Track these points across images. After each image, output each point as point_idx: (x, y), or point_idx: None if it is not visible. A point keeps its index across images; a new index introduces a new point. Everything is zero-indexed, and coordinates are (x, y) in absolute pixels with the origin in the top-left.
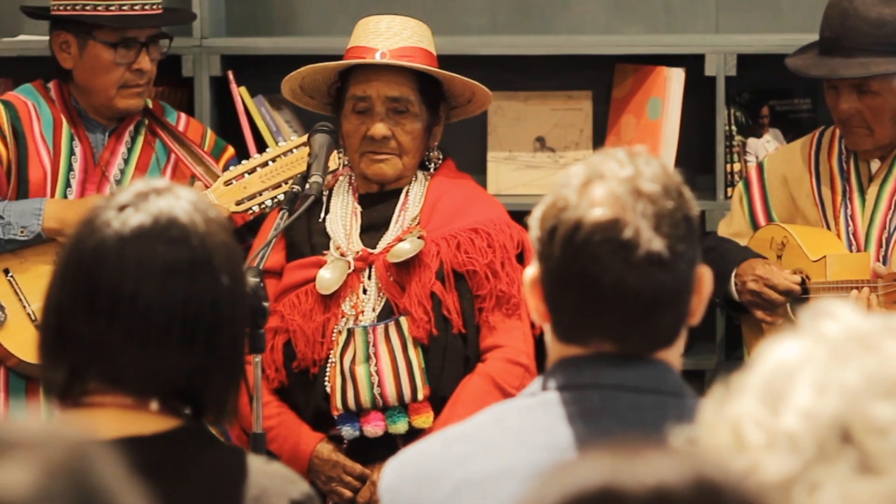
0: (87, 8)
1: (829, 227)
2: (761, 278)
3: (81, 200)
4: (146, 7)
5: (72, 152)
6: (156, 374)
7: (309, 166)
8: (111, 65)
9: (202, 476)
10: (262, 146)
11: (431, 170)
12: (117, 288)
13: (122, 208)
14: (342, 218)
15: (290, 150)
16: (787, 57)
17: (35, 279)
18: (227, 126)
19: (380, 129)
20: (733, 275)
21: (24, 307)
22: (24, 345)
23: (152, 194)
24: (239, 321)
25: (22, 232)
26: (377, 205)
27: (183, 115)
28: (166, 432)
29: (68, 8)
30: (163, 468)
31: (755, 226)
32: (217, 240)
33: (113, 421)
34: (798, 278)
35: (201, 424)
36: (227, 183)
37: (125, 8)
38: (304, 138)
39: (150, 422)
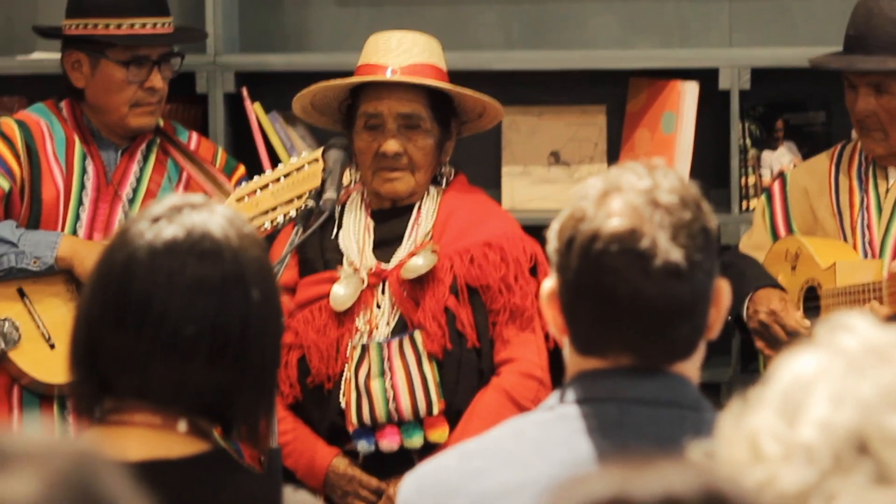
0: (99, 27)
1: (846, 238)
2: (774, 314)
3: (95, 242)
4: (157, 26)
5: (84, 171)
6: (183, 388)
7: (323, 182)
8: (123, 83)
9: (231, 502)
10: (276, 162)
11: (443, 185)
12: (146, 299)
13: (155, 220)
14: (355, 234)
15: (303, 167)
16: (810, 57)
17: (49, 298)
18: (242, 142)
19: (392, 145)
20: (748, 299)
21: (39, 326)
22: (38, 363)
23: (187, 208)
24: (270, 338)
25: (35, 263)
26: (390, 220)
27: (195, 134)
28: (194, 456)
29: (80, 27)
30: (190, 493)
31: (776, 237)
32: (250, 255)
33: (140, 442)
34: (808, 323)
35: (227, 452)
36: (240, 199)
37: (136, 27)
38: (316, 154)
39: (178, 444)
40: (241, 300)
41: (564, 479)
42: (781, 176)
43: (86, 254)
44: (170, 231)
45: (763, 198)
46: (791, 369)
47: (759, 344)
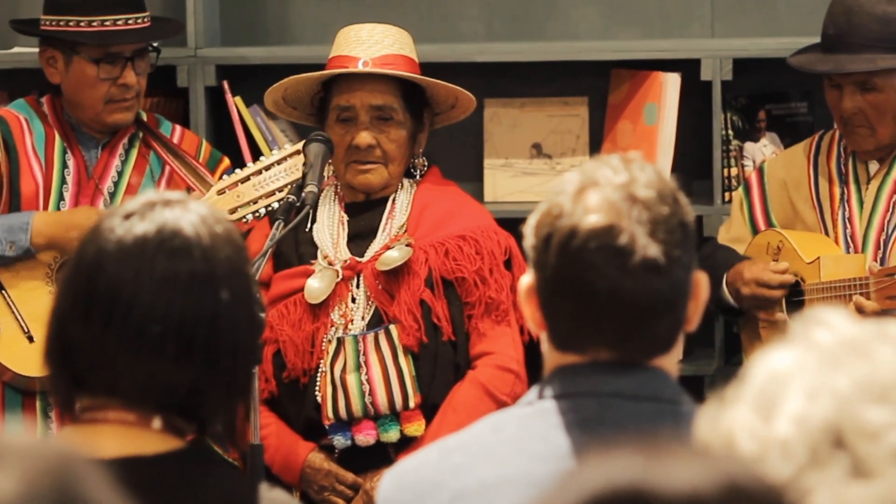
0: (71, 24)
1: (826, 230)
2: (752, 281)
3: (70, 212)
4: (130, 22)
5: (65, 166)
6: (152, 385)
7: (304, 175)
8: (95, 80)
9: (205, 499)
10: (257, 155)
11: (417, 177)
12: (114, 295)
13: (127, 216)
14: (329, 227)
15: (284, 159)
16: (789, 57)
17: (28, 292)
18: (223, 136)
19: (364, 137)
20: (724, 283)
21: (18, 320)
22: (19, 358)
23: (160, 205)
24: (243, 338)
25: (11, 247)
26: (364, 213)
27: (178, 127)
28: (169, 453)
29: (53, 24)
30: (165, 490)
31: (755, 230)
32: (221, 254)
33: (115, 439)
34: (785, 265)
35: (206, 445)
36: (221, 192)
37: (108, 24)
38: (298, 146)
39: (152, 441)
40: (209, 299)
41: (577, 465)
42: (759, 167)
43: (62, 228)
44: (140, 227)
45: (741, 190)
46: (766, 365)
47: (762, 315)
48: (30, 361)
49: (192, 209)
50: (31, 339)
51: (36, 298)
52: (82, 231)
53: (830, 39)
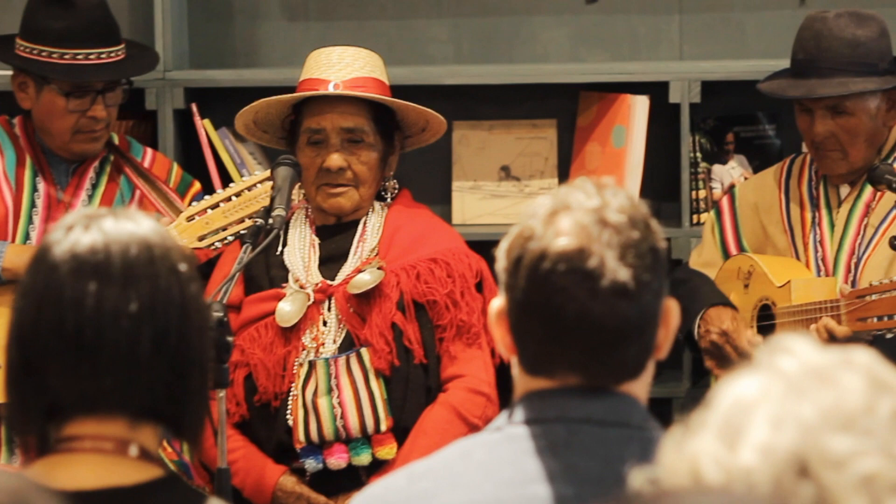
0: (43, 54)
1: (797, 254)
2: (726, 334)
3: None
4: (103, 56)
5: (35, 189)
6: (132, 386)
7: (272, 199)
8: (64, 111)
9: None
10: (226, 178)
11: (388, 200)
12: (77, 303)
13: (69, 228)
14: (300, 250)
15: (254, 185)
16: (759, 83)
17: None
18: (192, 158)
19: (335, 160)
20: (699, 318)
21: None
22: None
23: (100, 216)
24: (206, 334)
25: None
26: (335, 236)
27: (150, 151)
28: (148, 482)
29: (26, 50)
30: None
31: (726, 254)
32: (181, 253)
33: (92, 469)
34: (760, 342)
35: (180, 478)
36: (190, 218)
37: (80, 57)
38: (268, 173)
39: (130, 471)
40: (176, 290)
41: None
42: (730, 191)
43: None
44: (87, 238)
45: (712, 213)
46: (731, 392)
47: (709, 363)
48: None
49: (133, 216)
50: None
51: (2, 325)
52: None
53: (800, 64)
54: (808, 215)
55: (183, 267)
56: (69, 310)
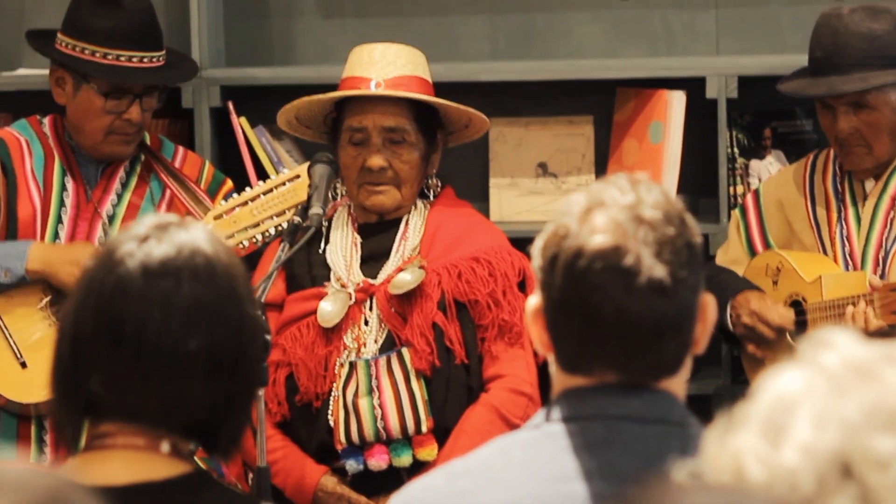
0: (86, 52)
1: (824, 249)
2: (755, 313)
3: (67, 246)
4: (145, 60)
5: (64, 188)
6: (177, 406)
7: (309, 197)
8: (100, 111)
9: None
10: (263, 176)
11: (431, 198)
12: (143, 320)
13: (143, 239)
14: (342, 249)
15: (283, 183)
16: (779, 83)
17: (21, 319)
18: (228, 157)
19: (376, 160)
20: (729, 306)
21: (11, 346)
22: (12, 384)
23: (172, 226)
24: (260, 353)
25: (5, 274)
26: (377, 235)
27: (181, 149)
28: (179, 477)
29: (69, 46)
30: None
31: (752, 252)
32: (239, 271)
33: (124, 465)
34: (791, 314)
35: (209, 472)
36: (218, 217)
37: (122, 59)
38: (298, 170)
39: (161, 466)
40: (235, 316)
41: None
42: (755, 189)
43: (58, 261)
44: (161, 249)
45: (737, 212)
46: (774, 388)
47: (750, 347)
48: (23, 388)
49: (199, 228)
50: (23, 365)
51: (29, 325)
52: (78, 265)
53: (819, 62)
54: (834, 210)
55: (243, 290)
56: (131, 325)
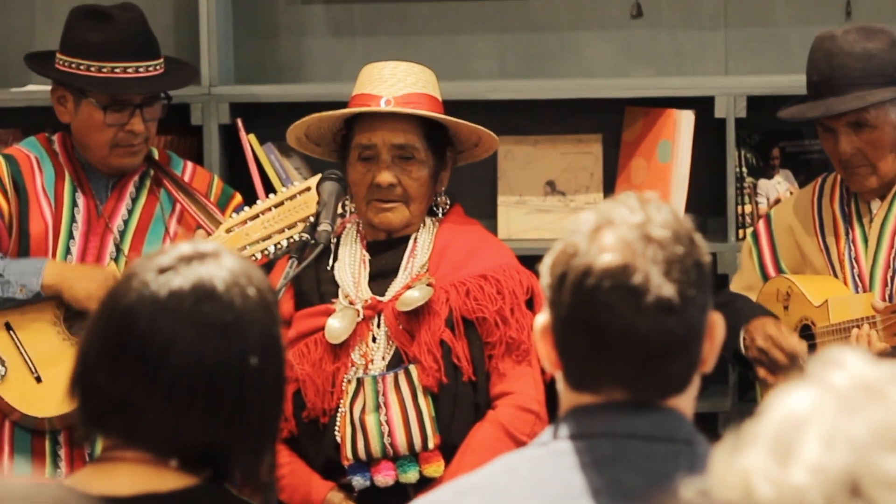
0: (81, 68)
1: (835, 272)
2: (771, 338)
3: (81, 266)
4: (141, 70)
5: (75, 204)
6: (173, 437)
7: (318, 214)
8: (102, 125)
9: None
10: (271, 193)
11: (439, 215)
12: (145, 349)
13: (163, 271)
14: (350, 266)
15: (293, 196)
16: (779, 112)
17: (36, 334)
18: (237, 173)
19: (386, 177)
20: (743, 330)
21: (26, 360)
22: (27, 398)
23: (195, 260)
24: (270, 401)
25: (21, 290)
26: (385, 252)
27: (189, 164)
28: (186, 489)
29: (66, 64)
30: None
31: (765, 277)
32: (251, 317)
33: (132, 476)
34: (805, 346)
35: (221, 483)
36: (229, 230)
37: (118, 70)
38: (308, 184)
39: (169, 478)
40: (237, 359)
41: None
42: (766, 215)
43: (73, 277)
44: (175, 283)
45: (749, 238)
46: (783, 406)
47: (762, 372)
48: (37, 402)
49: (226, 265)
50: (38, 379)
51: (43, 340)
52: (93, 281)
53: (816, 86)
54: (842, 233)
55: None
56: (131, 355)
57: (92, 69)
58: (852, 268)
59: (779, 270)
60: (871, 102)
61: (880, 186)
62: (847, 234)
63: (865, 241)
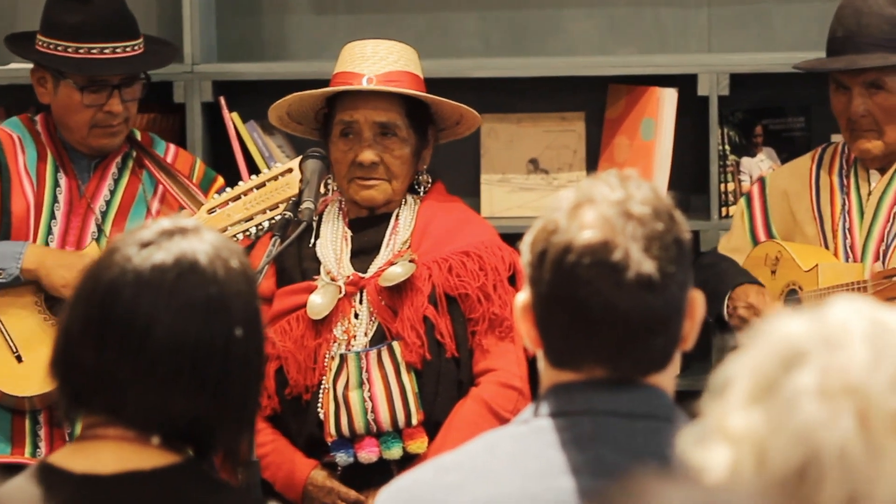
0: (59, 49)
1: (826, 241)
2: (753, 307)
3: (61, 251)
4: (118, 50)
5: (57, 184)
6: (158, 412)
7: (301, 192)
8: (80, 106)
9: None
10: (254, 171)
11: (421, 193)
12: (129, 324)
13: (144, 245)
14: (332, 243)
15: (276, 177)
16: (795, 64)
17: (16, 310)
18: (220, 152)
19: (368, 155)
20: (727, 297)
21: (7, 340)
22: (8, 378)
23: (177, 234)
24: (252, 373)
25: (1, 274)
26: (367, 229)
27: (172, 146)
28: (168, 467)
29: (44, 45)
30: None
31: (755, 241)
32: (235, 289)
33: (114, 454)
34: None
35: (201, 462)
36: (211, 211)
37: (94, 51)
38: (290, 164)
39: (151, 456)
40: (222, 332)
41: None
42: (761, 179)
43: (53, 264)
44: (158, 256)
45: (742, 201)
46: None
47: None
48: (18, 381)
49: (207, 239)
50: (19, 359)
51: (24, 320)
52: (71, 269)
53: (839, 42)
54: (838, 203)
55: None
56: (115, 329)
57: (69, 50)
58: (845, 238)
59: (769, 235)
60: (893, 64)
61: (882, 155)
62: (843, 204)
63: (861, 213)
